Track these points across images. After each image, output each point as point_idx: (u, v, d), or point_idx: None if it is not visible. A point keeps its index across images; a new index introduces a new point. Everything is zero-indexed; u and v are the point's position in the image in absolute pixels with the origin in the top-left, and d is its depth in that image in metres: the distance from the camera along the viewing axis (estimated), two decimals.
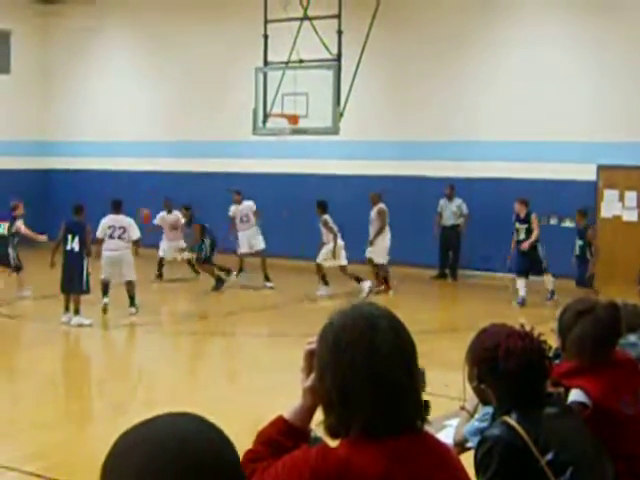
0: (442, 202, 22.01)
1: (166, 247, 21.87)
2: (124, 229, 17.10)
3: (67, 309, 16.20)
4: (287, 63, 18.87)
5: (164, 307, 19.59)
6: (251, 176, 24.51)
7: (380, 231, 20.24)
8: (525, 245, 18.46)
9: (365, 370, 2.63)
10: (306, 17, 19.11)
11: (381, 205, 20.34)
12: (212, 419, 1.81)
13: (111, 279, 17.06)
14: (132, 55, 27.12)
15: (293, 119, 19.41)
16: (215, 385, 12.66)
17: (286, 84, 18.82)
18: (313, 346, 2.78)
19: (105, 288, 16.97)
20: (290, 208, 24.00)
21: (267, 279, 20.85)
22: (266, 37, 19.21)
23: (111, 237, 17.00)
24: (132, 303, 17.02)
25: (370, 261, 20.34)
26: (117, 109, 27.26)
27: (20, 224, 18.73)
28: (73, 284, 16.02)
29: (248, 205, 21.56)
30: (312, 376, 2.79)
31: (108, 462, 1.75)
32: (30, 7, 28.20)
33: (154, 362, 14.37)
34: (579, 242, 18.49)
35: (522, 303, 18.32)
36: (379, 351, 2.64)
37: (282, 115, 19.46)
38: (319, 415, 2.78)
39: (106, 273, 16.98)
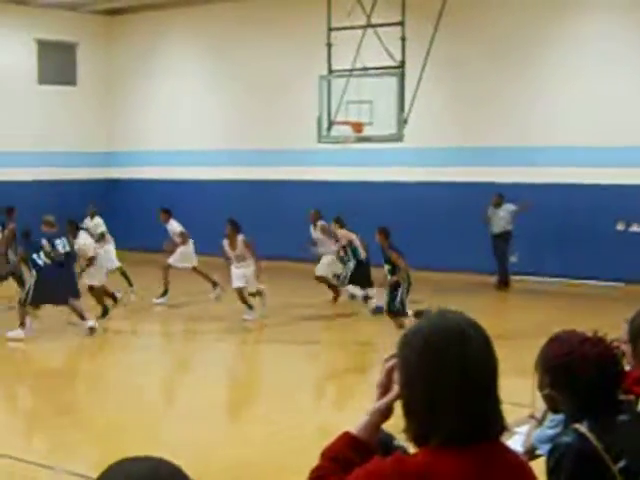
0: (489, 211, 21.45)
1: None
2: None
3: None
4: (351, 71, 18.89)
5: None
6: (315, 184, 24.54)
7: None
8: None
9: (456, 376, 2.62)
10: (370, 25, 19.12)
11: (321, 222, 19.95)
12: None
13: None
14: (195, 65, 27.30)
15: (357, 127, 19.40)
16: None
17: (350, 92, 18.84)
18: (393, 362, 2.78)
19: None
20: (354, 215, 23.96)
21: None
22: (330, 45, 19.25)
23: None
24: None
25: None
26: (180, 119, 27.45)
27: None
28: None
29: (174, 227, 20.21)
30: (390, 394, 2.79)
31: None
32: (95, 20, 28.58)
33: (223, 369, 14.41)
34: None
35: None
36: (470, 358, 2.64)
37: (346, 123, 19.46)
38: (398, 423, 2.76)
39: None
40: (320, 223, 19.90)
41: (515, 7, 21.98)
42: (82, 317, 16.14)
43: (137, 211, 26.53)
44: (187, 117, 27.31)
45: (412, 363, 2.69)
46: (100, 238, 19.61)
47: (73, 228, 17.60)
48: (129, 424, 11.07)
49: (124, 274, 19.91)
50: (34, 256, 16.07)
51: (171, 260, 19.52)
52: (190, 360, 15.76)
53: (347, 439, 2.85)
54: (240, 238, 17.43)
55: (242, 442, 10.22)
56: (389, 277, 15.05)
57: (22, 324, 15.89)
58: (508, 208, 21.25)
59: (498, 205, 21.31)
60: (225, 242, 17.60)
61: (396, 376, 2.76)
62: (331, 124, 19.15)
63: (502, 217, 21.30)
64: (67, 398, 12.66)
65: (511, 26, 21.98)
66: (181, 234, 19.72)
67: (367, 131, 19.42)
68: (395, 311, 14.84)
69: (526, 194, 21.23)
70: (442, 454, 2.61)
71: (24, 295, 15.99)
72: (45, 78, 27.73)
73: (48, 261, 15.95)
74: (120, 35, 28.73)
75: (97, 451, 10.05)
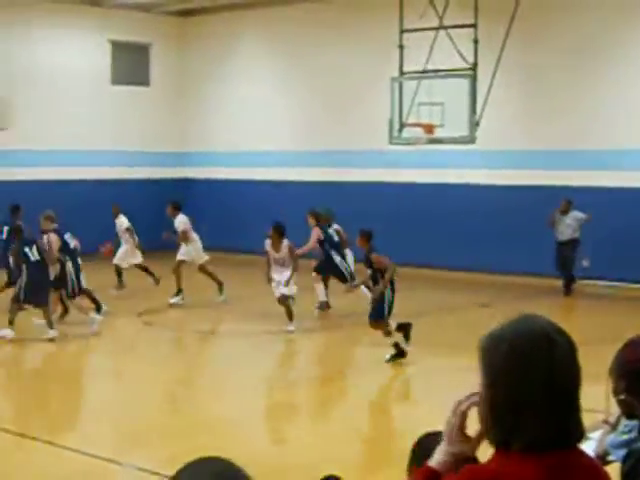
0: (555, 216, 20.83)
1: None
2: None
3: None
4: (423, 72, 18.87)
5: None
6: (386, 185, 24.54)
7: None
8: None
9: (543, 380, 2.59)
10: (442, 27, 19.09)
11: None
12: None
13: None
14: (267, 66, 27.43)
15: (429, 128, 19.37)
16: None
17: (422, 93, 18.81)
18: (471, 402, 2.73)
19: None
20: (425, 217, 23.94)
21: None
22: (402, 47, 19.24)
23: None
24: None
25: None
26: (252, 120, 27.58)
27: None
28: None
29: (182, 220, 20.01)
30: (474, 441, 2.74)
31: None
32: (168, 21, 28.86)
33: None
34: None
35: None
36: (557, 362, 2.61)
37: (418, 124, 19.44)
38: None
39: None
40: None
41: (590, 11, 21.73)
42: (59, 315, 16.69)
43: (209, 210, 26.70)
44: (258, 118, 27.42)
45: (497, 367, 2.64)
46: (128, 235, 20.19)
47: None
48: (215, 422, 11.19)
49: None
50: (26, 250, 16.02)
51: (180, 256, 19.51)
52: (277, 358, 15.72)
53: (428, 473, 2.78)
54: (285, 243, 16.81)
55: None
56: (371, 283, 14.47)
57: (11, 322, 15.78)
58: (576, 216, 20.73)
59: (565, 212, 20.76)
60: (268, 243, 17.01)
61: (478, 380, 2.72)
62: (402, 126, 19.14)
63: (569, 225, 20.76)
64: (145, 395, 12.82)
65: (585, 30, 21.72)
66: (182, 233, 19.62)
67: (438, 133, 19.38)
68: (381, 319, 14.13)
69: (595, 198, 21.02)
70: (521, 460, 2.58)
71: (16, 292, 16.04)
72: (118, 79, 28.06)
73: (38, 257, 15.95)
74: (193, 36, 28.97)
75: (167, 448, 10.15)
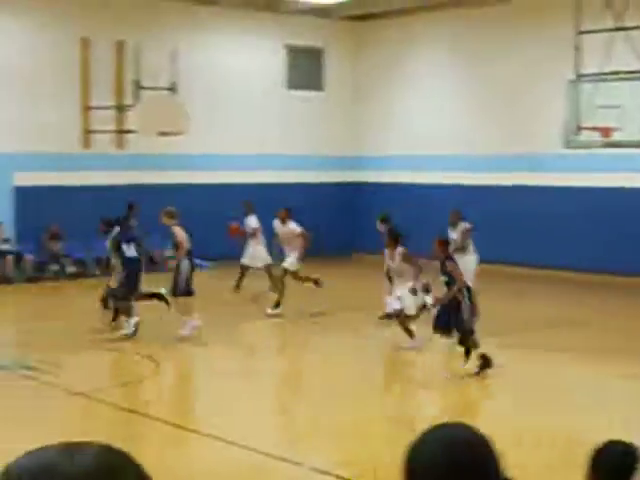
0: None
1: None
2: None
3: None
4: (600, 75, 18.42)
5: None
6: (560, 190, 24.11)
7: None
8: None
9: None
10: (620, 28, 18.60)
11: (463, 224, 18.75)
12: None
13: None
14: (442, 70, 27.31)
15: (606, 132, 18.90)
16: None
17: (598, 96, 18.37)
18: None
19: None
20: (599, 221, 23.43)
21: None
22: (578, 49, 18.84)
23: None
24: None
25: None
26: (424, 123, 27.52)
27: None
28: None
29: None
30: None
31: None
32: (343, 25, 29.05)
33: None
34: None
35: None
36: None
37: (595, 128, 18.99)
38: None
39: None
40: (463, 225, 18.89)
41: None
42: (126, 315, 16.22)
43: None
44: (432, 122, 27.33)
45: None
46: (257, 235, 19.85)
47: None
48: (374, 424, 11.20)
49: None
50: (123, 246, 16.37)
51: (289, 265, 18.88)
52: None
53: None
54: (399, 250, 15.14)
55: None
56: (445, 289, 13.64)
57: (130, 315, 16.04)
58: None
59: None
60: (386, 252, 15.63)
61: None
62: (579, 129, 18.73)
63: None
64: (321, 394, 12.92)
65: None
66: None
67: (616, 136, 18.89)
68: (467, 331, 13.37)
69: None
70: None
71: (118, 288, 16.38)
72: (293, 83, 28.42)
73: (135, 255, 16.27)
74: (367, 40, 29.09)
75: (339, 449, 10.20)
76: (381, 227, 17.63)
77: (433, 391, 13.33)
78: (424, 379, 13.95)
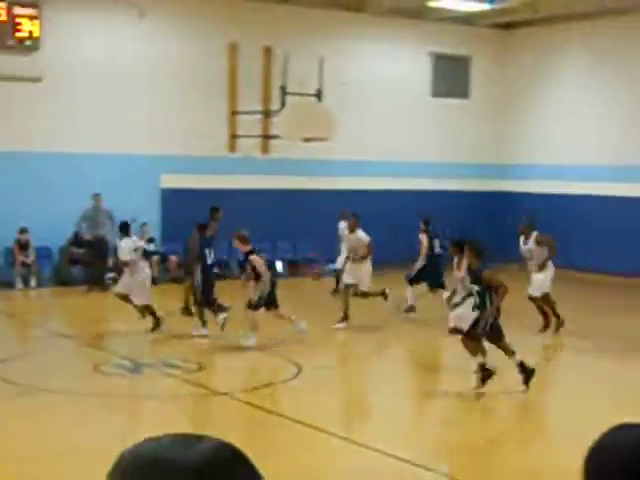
0: None
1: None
2: None
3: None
4: None
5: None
6: None
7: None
8: None
9: None
10: None
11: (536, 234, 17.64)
12: None
13: None
14: (586, 79, 26.88)
15: None
16: None
17: None
18: None
19: None
20: None
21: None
22: None
23: None
24: None
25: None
26: (569, 132, 27.13)
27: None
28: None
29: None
30: None
31: None
32: (489, 33, 28.84)
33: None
34: None
35: None
36: None
37: None
38: None
39: None
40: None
41: None
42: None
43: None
44: (578, 130, 26.91)
45: None
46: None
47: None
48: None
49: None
50: (205, 251, 16.56)
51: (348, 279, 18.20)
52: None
53: None
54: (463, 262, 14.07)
55: None
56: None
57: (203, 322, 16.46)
58: None
59: None
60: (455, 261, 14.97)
61: None
62: None
63: None
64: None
65: None
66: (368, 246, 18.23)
67: None
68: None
69: None
70: None
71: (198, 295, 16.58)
72: (438, 91, 28.35)
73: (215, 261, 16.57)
74: (514, 48, 28.81)
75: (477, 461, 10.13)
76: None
77: None
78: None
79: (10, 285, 21.86)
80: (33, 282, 22.61)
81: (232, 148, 24.66)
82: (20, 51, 22.20)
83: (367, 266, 18.22)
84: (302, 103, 22.45)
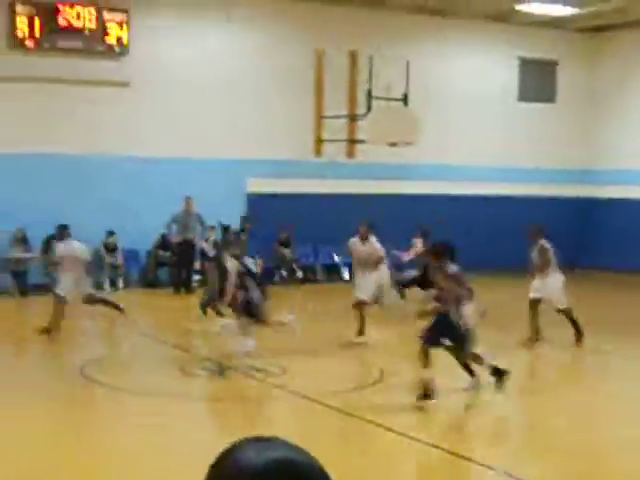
0: None
1: None
2: None
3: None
4: None
5: None
6: None
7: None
8: None
9: None
10: None
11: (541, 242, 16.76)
12: None
13: None
14: None
15: None
16: None
17: None
18: None
19: None
20: None
21: None
22: None
23: None
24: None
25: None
26: None
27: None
28: None
29: None
30: None
31: None
32: (577, 37, 28.54)
33: None
34: None
35: None
36: None
37: None
38: None
39: None
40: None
41: None
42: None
43: (613, 230, 26.09)
44: None
45: None
46: None
47: None
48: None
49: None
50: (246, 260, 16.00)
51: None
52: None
53: None
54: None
55: None
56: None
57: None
58: None
59: None
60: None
61: None
62: None
63: None
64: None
65: None
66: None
67: None
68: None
69: None
70: None
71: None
72: (525, 95, 28.15)
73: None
74: (602, 52, 28.47)
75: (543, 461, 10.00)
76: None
77: None
78: None
79: (99, 286, 22.18)
80: (121, 284, 23.05)
81: (318, 152, 24.70)
82: (109, 56, 22.54)
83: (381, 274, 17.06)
84: (387, 107, 22.43)
